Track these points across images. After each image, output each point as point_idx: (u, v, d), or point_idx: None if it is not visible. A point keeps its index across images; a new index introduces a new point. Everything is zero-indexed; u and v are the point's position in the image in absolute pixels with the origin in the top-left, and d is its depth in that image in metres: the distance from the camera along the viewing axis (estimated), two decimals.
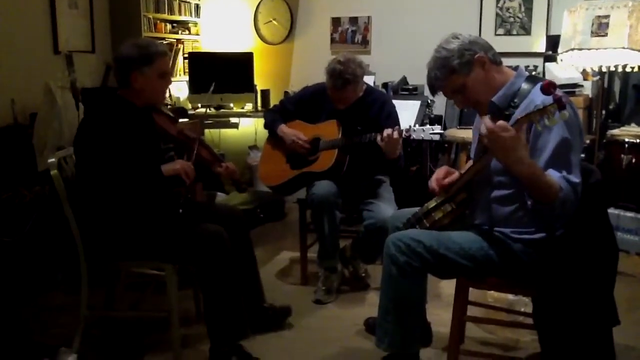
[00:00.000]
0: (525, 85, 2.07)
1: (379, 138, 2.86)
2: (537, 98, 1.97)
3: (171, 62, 5.37)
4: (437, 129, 2.83)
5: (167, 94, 5.24)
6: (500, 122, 1.84)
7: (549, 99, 1.78)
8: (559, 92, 1.80)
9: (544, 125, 1.81)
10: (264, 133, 3.52)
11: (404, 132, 2.86)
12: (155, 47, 2.45)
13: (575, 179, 1.93)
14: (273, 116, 3.42)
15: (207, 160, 2.67)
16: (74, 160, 2.51)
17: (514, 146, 1.84)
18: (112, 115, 2.41)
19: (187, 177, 2.42)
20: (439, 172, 2.34)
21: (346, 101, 3.14)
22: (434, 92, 2.21)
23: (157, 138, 2.56)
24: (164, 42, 5.29)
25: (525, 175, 1.88)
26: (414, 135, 2.85)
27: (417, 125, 2.87)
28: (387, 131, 2.82)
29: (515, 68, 2.20)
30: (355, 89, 3.11)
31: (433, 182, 2.31)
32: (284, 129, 3.32)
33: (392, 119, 3.15)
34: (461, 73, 2.08)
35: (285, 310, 2.86)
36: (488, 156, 2.00)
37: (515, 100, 2.06)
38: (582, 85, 4.28)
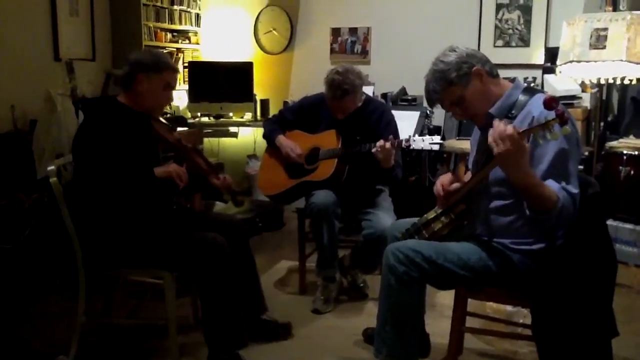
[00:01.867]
0: (522, 97, 2.08)
1: (373, 149, 2.87)
2: (535, 109, 1.99)
3: None
4: (437, 138, 2.85)
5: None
6: (512, 130, 1.83)
7: (550, 114, 1.79)
8: (561, 107, 1.80)
9: (545, 140, 1.82)
10: (263, 142, 3.53)
11: (403, 142, 2.87)
12: (169, 60, 2.55)
13: (574, 189, 1.94)
14: (272, 126, 3.42)
15: (203, 170, 2.67)
16: (72, 164, 2.52)
17: (520, 156, 1.84)
18: (109, 120, 2.42)
19: (179, 179, 2.43)
20: (445, 177, 2.31)
21: (345, 111, 3.15)
22: (432, 104, 2.22)
23: (154, 143, 2.58)
24: (164, 51, 5.31)
25: (523, 184, 1.89)
26: (413, 145, 2.87)
27: (416, 135, 2.88)
28: (379, 142, 2.84)
29: (513, 80, 2.21)
30: (354, 99, 3.12)
31: (439, 187, 2.29)
32: (281, 139, 3.32)
33: (392, 129, 3.15)
34: (459, 85, 2.09)
35: (286, 328, 2.86)
36: (489, 166, 2.00)
37: (513, 112, 2.07)
38: (580, 97, 4.29)
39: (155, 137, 2.58)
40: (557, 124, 1.77)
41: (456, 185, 2.26)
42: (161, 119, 2.74)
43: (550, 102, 1.80)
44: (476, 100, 2.11)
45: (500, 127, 1.83)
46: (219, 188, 2.72)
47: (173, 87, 2.58)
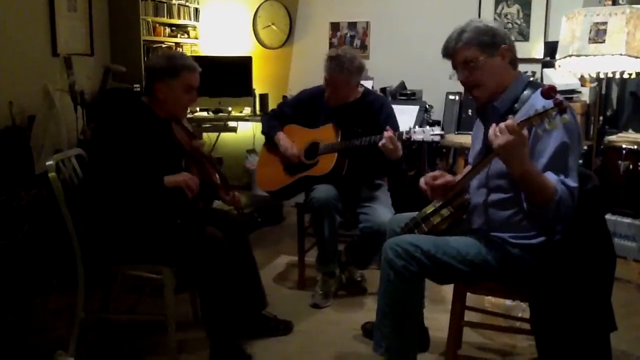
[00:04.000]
0: (526, 91, 2.08)
1: (380, 143, 2.85)
2: (538, 103, 1.98)
3: None
4: (438, 129, 2.83)
5: None
6: (511, 121, 1.83)
7: (549, 103, 1.80)
8: (559, 96, 1.81)
9: (544, 129, 1.82)
10: (262, 137, 3.52)
11: (404, 134, 2.86)
12: (184, 60, 2.46)
13: (573, 183, 1.94)
14: (270, 122, 3.41)
15: (215, 184, 2.66)
16: (85, 157, 2.54)
17: (520, 147, 1.84)
18: (131, 119, 2.41)
19: (189, 190, 2.39)
20: (429, 175, 2.32)
21: (339, 94, 3.12)
22: (448, 52, 2.16)
23: (171, 148, 2.54)
24: (163, 45, 5.30)
25: (522, 174, 1.89)
26: (414, 137, 2.86)
27: (417, 127, 2.87)
28: (386, 133, 2.83)
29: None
30: (349, 81, 3.09)
31: (422, 182, 2.30)
32: (280, 137, 3.31)
33: (392, 121, 3.14)
34: (484, 50, 2.08)
35: (287, 325, 2.86)
36: (488, 159, 2.00)
37: (516, 106, 2.07)
38: (579, 92, 4.28)
39: (175, 142, 2.55)
40: (555, 112, 1.78)
41: (443, 180, 2.25)
42: (186, 123, 2.67)
43: (549, 92, 1.81)
44: (488, 73, 2.10)
45: (508, 122, 1.83)
46: (226, 204, 2.72)
47: (195, 87, 2.50)
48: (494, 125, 1.87)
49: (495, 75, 2.11)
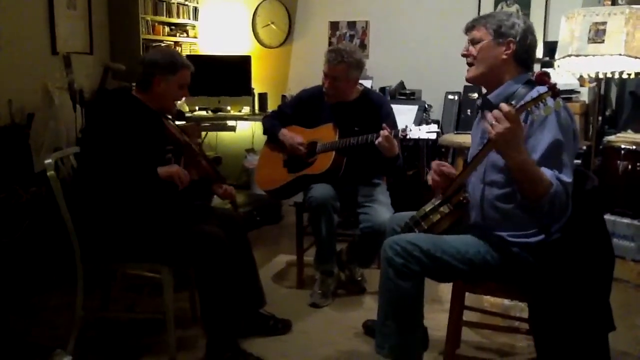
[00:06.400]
0: (522, 89, 2.08)
1: (376, 141, 2.86)
2: (534, 95, 1.99)
3: None
4: (434, 127, 2.85)
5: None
6: (508, 108, 1.84)
7: (543, 89, 1.82)
8: (552, 81, 1.82)
9: (539, 115, 1.84)
10: (261, 136, 3.52)
11: (400, 132, 2.88)
12: (182, 59, 2.57)
13: (567, 178, 1.94)
14: (271, 122, 3.42)
15: (209, 176, 2.69)
16: (78, 152, 2.55)
17: (518, 134, 1.86)
18: (123, 113, 2.45)
19: (180, 181, 2.42)
20: (437, 163, 2.35)
21: (337, 88, 3.13)
22: (470, 24, 2.22)
23: (163, 141, 2.58)
24: (162, 44, 5.30)
25: (519, 164, 1.89)
26: (410, 135, 2.87)
27: (413, 125, 2.89)
28: (383, 132, 2.83)
29: None
30: (347, 73, 3.10)
31: (431, 175, 2.32)
32: (284, 132, 3.31)
33: (390, 120, 3.15)
34: (493, 35, 2.11)
35: (286, 324, 2.87)
36: (484, 150, 2.00)
37: (512, 103, 2.07)
38: (578, 92, 4.29)
39: (167, 136, 2.59)
40: (549, 97, 1.80)
41: (448, 169, 2.29)
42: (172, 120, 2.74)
43: (542, 77, 1.85)
44: (483, 55, 2.12)
45: (503, 107, 1.84)
46: (220, 197, 2.76)
47: (188, 85, 2.60)
48: (489, 114, 1.88)
49: (490, 60, 2.12)
